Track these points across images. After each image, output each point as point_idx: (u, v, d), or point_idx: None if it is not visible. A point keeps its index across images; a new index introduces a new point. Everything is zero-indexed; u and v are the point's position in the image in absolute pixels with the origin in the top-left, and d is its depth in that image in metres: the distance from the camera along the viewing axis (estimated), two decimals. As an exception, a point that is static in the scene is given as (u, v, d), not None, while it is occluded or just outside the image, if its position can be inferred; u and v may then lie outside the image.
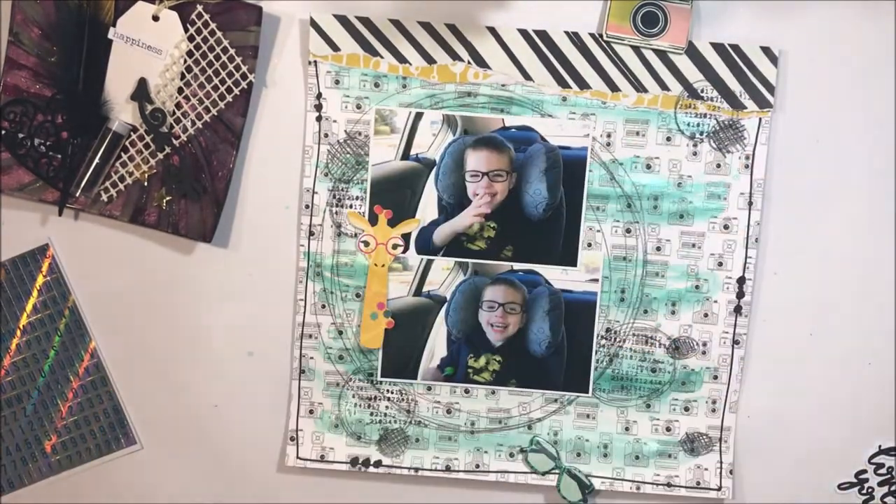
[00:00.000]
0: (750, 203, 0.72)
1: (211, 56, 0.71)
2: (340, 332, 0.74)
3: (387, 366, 0.74)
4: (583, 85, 0.72)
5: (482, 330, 0.73)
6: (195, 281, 0.74)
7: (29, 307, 0.75)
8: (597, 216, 0.72)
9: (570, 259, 0.73)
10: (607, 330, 0.73)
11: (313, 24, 0.71)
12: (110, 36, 0.70)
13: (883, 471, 0.74)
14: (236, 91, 0.71)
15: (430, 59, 0.72)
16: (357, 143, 0.72)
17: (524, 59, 0.71)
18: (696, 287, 0.73)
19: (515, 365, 0.73)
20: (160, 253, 0.74)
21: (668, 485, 0.74)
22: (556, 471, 0.74)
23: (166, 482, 0.76)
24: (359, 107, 0.72)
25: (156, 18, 0.70)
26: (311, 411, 0.74)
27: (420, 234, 0.73)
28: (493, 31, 0.71)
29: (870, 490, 0.75)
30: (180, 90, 0.71)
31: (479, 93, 0.72)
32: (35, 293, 0.75)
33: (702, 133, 0.72)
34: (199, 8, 0.70)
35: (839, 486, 0.75)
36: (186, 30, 0.70)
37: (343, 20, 0.71)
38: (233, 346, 0.75)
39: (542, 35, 0.71)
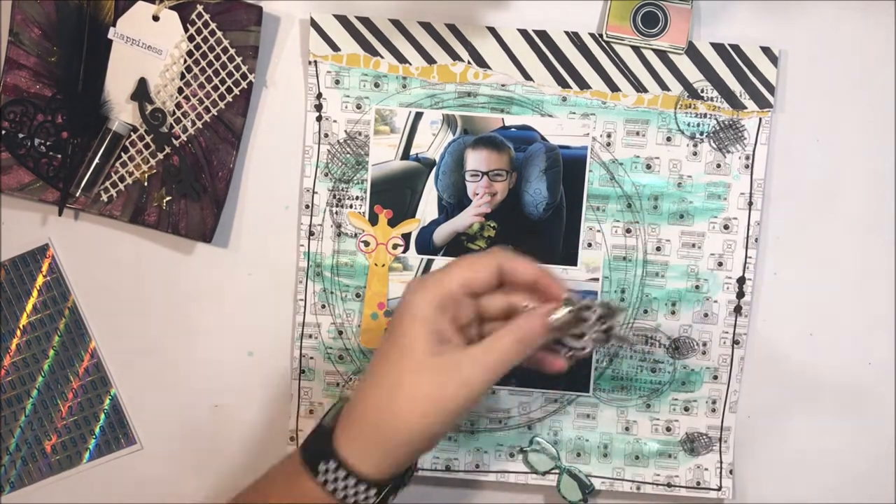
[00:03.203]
0: (750, 203, 0.72)
1: (211, 56, 0.71)
2: (340, 332, 0.74)
3: (387, 366, 0.74)
4: (583, 85, 0.72)
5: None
6: (195, 281, 0.74)
7: (29, 307, 0.75)
8: (597, 216, 0.72)
9: (570, 258, 0.73)
10: (607, 330, 0.73)
11: (313, 24, 0.71)
12: (110, 36, 0.70)
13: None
14: (236, 91, 0.71)
15: (430, 59, 0.72)
16: (357, 143, 0.72)
17: (524, 59, 0.71)
18: (696, 287, 0.73)
19: (516, 364, 0.73)
20: (160, 253, 0.74)
21: (668, 485, 0.74)
22: (556, 471, 0.74)
23: (166, 482, 0.76)
24: (359, 107, 0.72)
25: (156, 18, 0.70)
26: (311, 411, 0.74)
27: (420, 234, 0.73)
28: (493, 31, 0.71)
29: None
30: (180, 90, 0.71)
31: (479, 93, 0.72)
32: (35, 293, 0.75)
33: (702, 133, 0.72)
34: (199, 8, 0.70)
35: None
36: (186, 30, 0.70)
37: (343, 20, 0.71)
38: (233, 346, 0.75)
39: (542, 35, 0.71)
